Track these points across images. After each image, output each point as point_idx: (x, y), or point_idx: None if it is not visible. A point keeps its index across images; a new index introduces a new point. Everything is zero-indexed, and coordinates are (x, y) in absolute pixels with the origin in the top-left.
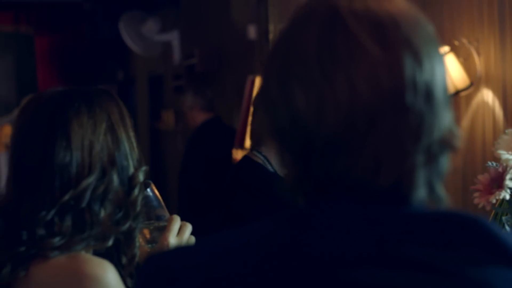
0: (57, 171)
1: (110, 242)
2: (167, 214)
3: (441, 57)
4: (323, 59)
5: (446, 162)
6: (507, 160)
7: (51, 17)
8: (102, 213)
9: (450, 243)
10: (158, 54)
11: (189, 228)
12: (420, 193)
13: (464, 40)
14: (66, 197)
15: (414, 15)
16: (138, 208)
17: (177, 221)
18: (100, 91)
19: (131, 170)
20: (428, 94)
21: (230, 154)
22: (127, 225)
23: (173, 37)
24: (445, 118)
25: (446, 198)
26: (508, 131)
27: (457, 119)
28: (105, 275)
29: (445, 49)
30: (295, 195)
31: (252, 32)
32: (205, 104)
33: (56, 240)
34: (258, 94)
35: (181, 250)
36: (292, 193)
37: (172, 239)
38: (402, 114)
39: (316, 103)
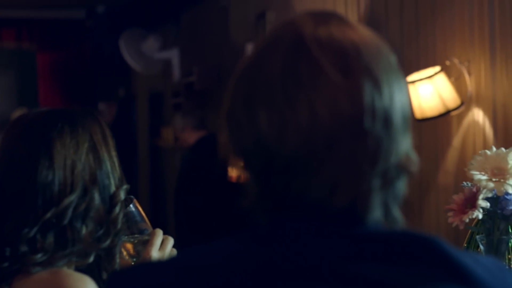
0: (40, 190)
1: (91, 259)
2: (150, 228)
3: (402, 85)
4: (286, 83)
5: (403, 186)
6: (479, 180)
7: (53, 34)
8: (84, 230)
9: (402, 261)
10: (158, 72)
11: (171, 241)
12: (376, 215)
13: (456, 60)
14: (48, 214)
15: (377, 44)
16: (119, 226)
17: (159, 235)
18: (83, 112)
19: (113, 188)
20: (386, 120)
21: (226, 171)
22: (108, 242)
23: (173, 55)
24: (403, 143)
25: (401, 220)
26: (481, 152)
27: (448, 138)
28: None
29: (436, 69)
30: (255, 212)
31: (250, 50)
32: (196, 123)
33: (39, 257)
34: (223, 114)
35: (144, 267)
36: (252, 210)
37: (155, 253)
38: (360, 138)
39: (278, 125)
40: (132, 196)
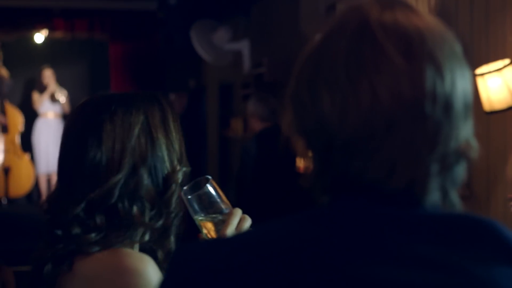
0: (88, 169)
1: (146, 238)
2: (229, 207)
3: (464, 73)
4: (350, 65)
5: (462, 171)
6: None
7: (125, 24)
8: (134, 210)
9: (460, 243)
10: (228, 63)
11: (248, 221)
12: (433, 198)
13: None
14: (94, 194)
15: (441, 32)
16: (173, 206)
17: (237, 215)
18: (142, 95)
19: (167, 170)
20: (447, 106)
21: (290, 162)
22: (160, 222)
23: (243, 46)
24: (464, 130)
25: (459, 204)
26: None
27: None
28: (145, 269)
29: (506, 61)
30: (315, 190)
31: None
32: (264, 114)
33: (93, 236)
34: (288, 95)
35: (206, 243)
36: (312, 189)
37: (230, 232)
38: (419, 122)
39: (340, 106)
40: (209, 176)
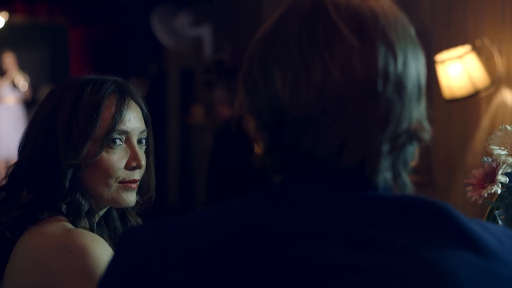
0: (18, 149)
1: (63, 209)
2: None
3: (418, 55)
4: (302, 43)
5: (413, 152)
6: (499, 155)
7: (85, 9)
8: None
9: (411, 226)
10: (190, 49)
11: None
12: (384, 178)
13: (486, 40)
14: (10, 170)
15: (395, 14)
16: (66, 187)
17: None
18: (64, 85)
19: (63, 156)
20: (399, 85)
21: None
22: (68, 199)
23: (205, 32)
24: (416, 110)
25: (410, 185)
26: (502, 127)
27: (477, 119)
28: (96, 249)
29: (466, 48)
30: (266, 169)
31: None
32: (233, 100)
33: (16, 211)
34: (241, 75)
35: (157, 224)
36: (263, 167)
37: None
38: (371, 100)
39: (292, 83)
40: None
